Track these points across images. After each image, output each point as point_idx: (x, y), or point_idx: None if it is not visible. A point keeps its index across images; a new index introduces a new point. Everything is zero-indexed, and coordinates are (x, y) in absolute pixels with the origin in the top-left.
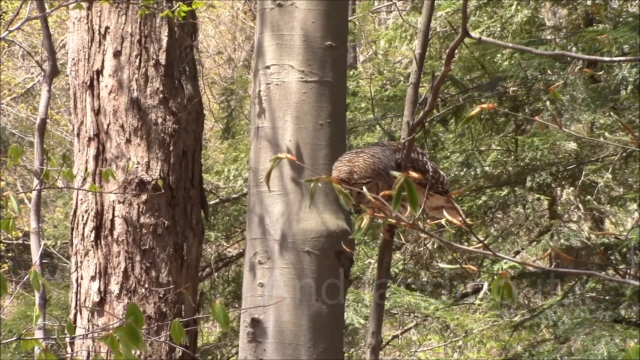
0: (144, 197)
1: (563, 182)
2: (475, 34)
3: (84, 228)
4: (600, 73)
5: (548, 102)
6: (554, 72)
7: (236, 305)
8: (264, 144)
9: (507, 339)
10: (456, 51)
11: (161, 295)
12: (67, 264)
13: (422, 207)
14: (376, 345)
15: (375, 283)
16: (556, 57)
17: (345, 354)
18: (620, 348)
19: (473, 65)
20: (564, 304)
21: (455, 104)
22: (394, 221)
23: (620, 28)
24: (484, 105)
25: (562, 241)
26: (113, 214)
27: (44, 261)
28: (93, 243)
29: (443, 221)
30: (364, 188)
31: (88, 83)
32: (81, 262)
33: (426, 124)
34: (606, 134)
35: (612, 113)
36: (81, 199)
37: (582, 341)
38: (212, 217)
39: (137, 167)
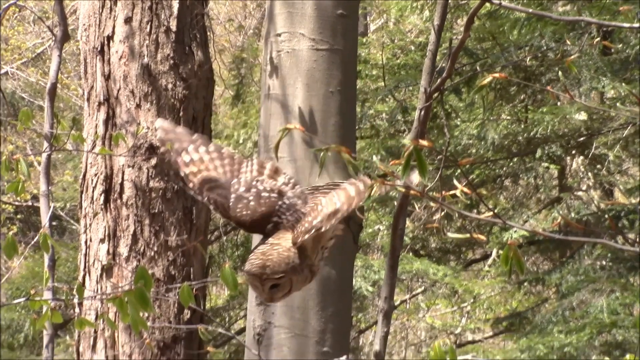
0: (153, 161)
1: (573, 152)
2: None
3: (93, 191)
4: (618, 46)
5: (560, 73)
6: (570, 42)
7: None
8: (274, 110)
9: (516, 304)
10: None
11: (170, 258)
12: (76, 226)
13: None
14: (388, 310)
15: (388, 249)
16: (575, 22)
17: (354, 318)
18: (621, 302)
19: (484, 37)
20: (569, 266)
21: (469, 73)
22: (403, 189)
23: None
24: (496, 75)
25: (573, 214)
26: (122, 178)
27: (53, 223)
28: (102, 206)
29: (458, 192)
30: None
31: (98, 49)
32: (90, 225)
33: (444, 91)
34: (618, 104)
35: (623, 84)
36: (90, 163)
37: (583, 295)
38: None
39: (146, 132)
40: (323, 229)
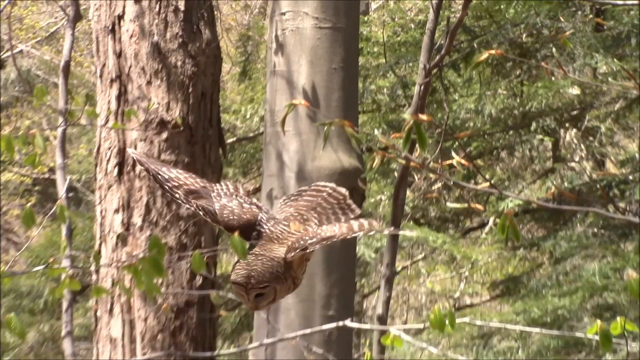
0: (164, 135)
1: (567, 125)
2: None
3: (107, 164)
4: (611, 23)
5: (554, 49)
6: (564, 19)
7: None
8: (280, 86)
9: (512, 269)
10: None
11: (182, 228)
12: (91, 197)
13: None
14: (390, 275)
15: (390, 218)
16: (569, 0)
17: (357, 284)
18: (612, 266)
19: (482, 15)
20: (562, 233)
21: (467, 50)
22: (404, 161)
23: None
24: (493, 51)
25: (566, 184)
26: None
27: (69, 195)
28: (116, 178)
29: (454, 162)
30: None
31: (110, 28)
32: (105, 196)
33: (442, 67)
34: (610, 79)
35: (615, 60)
36: (104, 137)
37: (575, 261)
38: (229, 155)
39: (157, 108)
40: (308, 250)
